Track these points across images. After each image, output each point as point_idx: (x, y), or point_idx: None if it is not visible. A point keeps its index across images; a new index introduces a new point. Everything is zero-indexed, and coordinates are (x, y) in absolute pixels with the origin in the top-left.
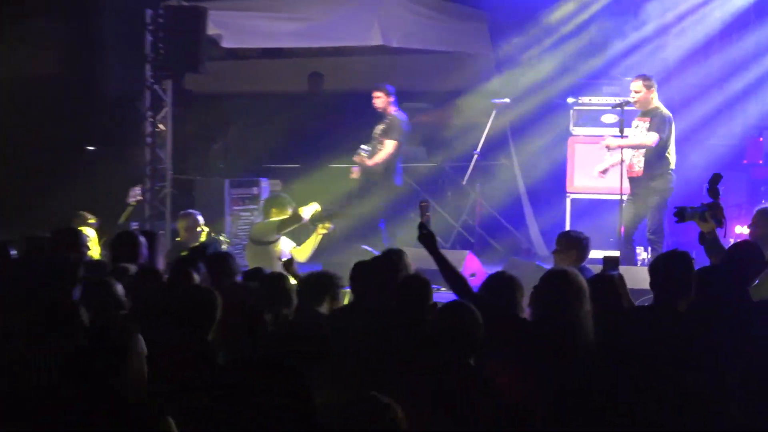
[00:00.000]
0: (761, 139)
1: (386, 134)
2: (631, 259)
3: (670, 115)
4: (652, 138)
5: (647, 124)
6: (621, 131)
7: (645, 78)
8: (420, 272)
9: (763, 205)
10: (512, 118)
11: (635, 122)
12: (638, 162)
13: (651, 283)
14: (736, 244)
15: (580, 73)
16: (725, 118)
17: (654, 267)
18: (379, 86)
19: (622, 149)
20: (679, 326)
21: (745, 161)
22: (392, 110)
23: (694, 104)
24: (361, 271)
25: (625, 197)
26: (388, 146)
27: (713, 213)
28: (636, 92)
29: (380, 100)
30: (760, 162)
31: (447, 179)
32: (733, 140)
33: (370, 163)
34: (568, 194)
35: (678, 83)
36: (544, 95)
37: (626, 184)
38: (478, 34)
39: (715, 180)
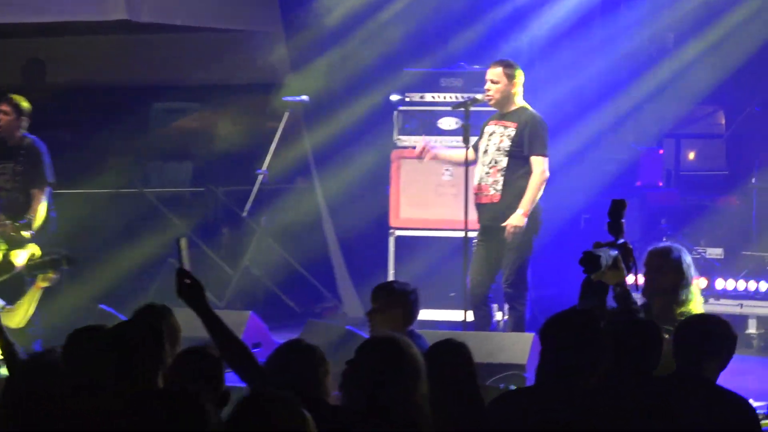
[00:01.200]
0: (661, 151)
1: (37, 180)
2: (484, 322)
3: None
4: (541, 166)
5: (511, 131)
6: (465, 140)
7: (507, 65)
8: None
9: (663, 244)
10: (312, 122)
11: (490, 128)
12: (494, 183)
13: (542, 354)
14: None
15: (409, 61)
16: (610, 123)
17: (546, 332)
18: (8, 98)
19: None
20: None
21: (638, 183)
22: (21, 133)
23: (566, 102)
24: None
25: (473, 234)
26: (44, 199)
27: (623, 256)
28: (493, 83)
29: (7, 115)
30: (660, 184)
31: (221, 209)
32: (622, 154)
33: (28, 234)
34: (392, 230)
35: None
36: (359, 91)
37: (473, 215)
38: (263, 5)
39: (617, 209)
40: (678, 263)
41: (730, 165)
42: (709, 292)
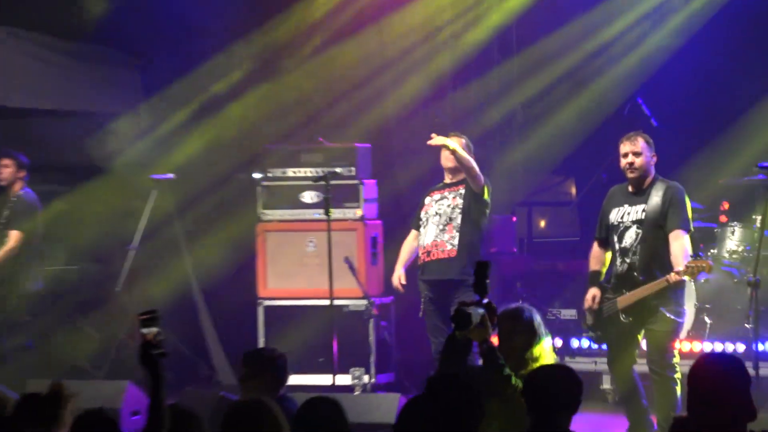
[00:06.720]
0: (514, 219)
1: (11, 222)
2: None
3: None
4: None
5: (462, 191)
6: (327, 211)
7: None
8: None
9: (514, 306)
10: (180, 199)
11: (437, 195)
12: (451, 238)
13: None
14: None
15: (268, 136)
16: None
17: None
18: (8, 152)
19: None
20: None
21: (493, 249)
22: (19, 188)
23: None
24: None
25: (342, 302)
26: (12, 238)
27: (488, 315)
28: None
29: (8, 171)
30: (514, 250)
31: (91, 283)
32: None
33: None
34: (260, 301)
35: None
36: (221, 167)
37: (339, 284)
38: (127, 87)
39: (482, 270)
40: (529, 323)
41: (581, 230)
42: (564, 351)
